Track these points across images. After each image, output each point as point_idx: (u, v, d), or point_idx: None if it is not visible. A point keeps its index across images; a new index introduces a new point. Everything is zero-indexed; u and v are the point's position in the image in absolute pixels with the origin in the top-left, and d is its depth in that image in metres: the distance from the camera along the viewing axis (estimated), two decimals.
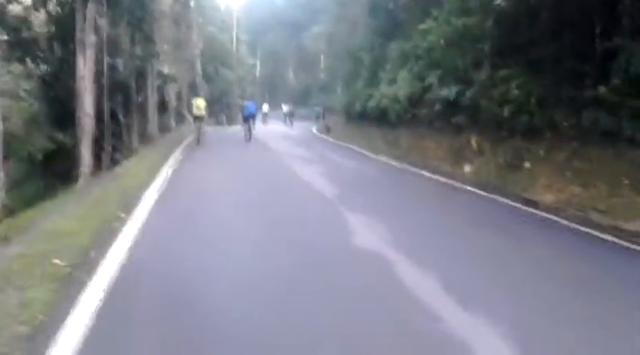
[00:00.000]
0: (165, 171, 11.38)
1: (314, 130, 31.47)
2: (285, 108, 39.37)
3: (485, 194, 8.98)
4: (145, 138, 23.09)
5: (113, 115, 20.54)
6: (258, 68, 72.48)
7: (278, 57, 74.10)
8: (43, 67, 18.28)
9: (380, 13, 23.29)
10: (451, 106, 14.21)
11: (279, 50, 71.73)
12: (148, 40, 20.34)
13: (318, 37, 41.00)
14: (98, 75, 17.48)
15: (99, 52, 18.08)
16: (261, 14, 60.77)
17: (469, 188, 9.72)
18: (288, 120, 37.28)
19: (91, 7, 13.35)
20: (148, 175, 10.49)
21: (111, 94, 19.73)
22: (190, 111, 22.16)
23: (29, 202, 14.37)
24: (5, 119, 19.61)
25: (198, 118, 19.43)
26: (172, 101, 29.98)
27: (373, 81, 21.97)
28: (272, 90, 78.08)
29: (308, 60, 67.62)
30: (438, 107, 14.96)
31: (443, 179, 11.11)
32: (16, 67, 18.77)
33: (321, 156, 15.07)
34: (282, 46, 70.13)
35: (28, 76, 17.87)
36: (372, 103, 20.34)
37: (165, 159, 13.81)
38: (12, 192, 17.46)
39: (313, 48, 50.89)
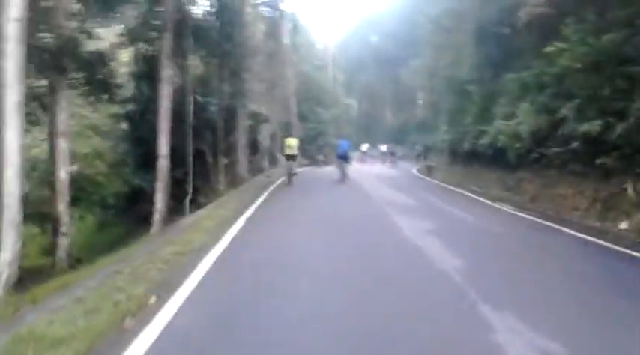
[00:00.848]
0: (245, 218, 9.79)
1: (414, 171, 28.84)
2: (383, 148, 37.38)
3: None
4: (235, 179, 21.84)
5: (200, 156, 19.47)
6: (355, 107, 71.38)
7: (374, 95, 72.67)
8: (130, 107, 17.69)
9: (490, 40, 20.53)
10: (594, 144, 11.20)
11: (375, 88, 70.31)
12: (236, 76, 19.16)
13: (417, 72, 38.49)
14: (183, 114, 16.42)
15: (185, 89, 17.12)
16: (357, 52, 59.81)
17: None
18: (388, 160, 35.30)
19: (168, 40, 12.04)
20: (221, 227, 8.71)
21: (198, 134, 18.67)
22: (282, 151, 21.03)
23: (107, 247, 13.36)
24: (90, 164, 19.43)
25: (289, 157, 18.32)
26: (265, 141, 28.90)
27: (484, 116, 19.15)
28: (368, 129, 76.59)
29: (405, 97, 65.45)
30: (575, 145, 11.95)
31: (594, 239, 8.14)
32: (106, 107, 18.41)
33: (428, 205, 12.48)
34: (379, 84, 68.64)
35: (113, 116, 17.33)
36: (484, 141, 17.48)
37: (248, 204, 12.14)
38: (89, 237, 16.73)
39: (411, 84, 48.59)
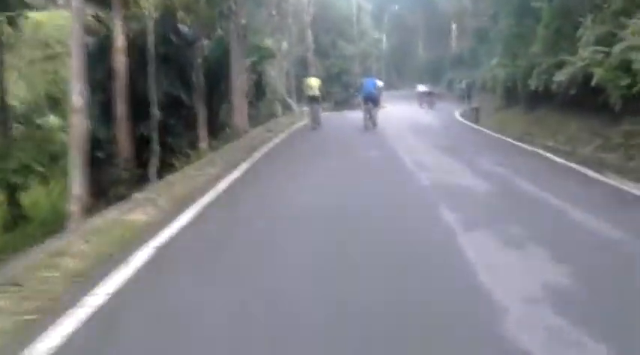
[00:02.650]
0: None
1: (458, 116, 23.74)
2: (421, 88, 32.13)
3: None
4: (232, 132, 17.39)
5: (177, 104, 15.03)
6: (384, 42, 64.77)
7: (405, 27, 65.74)
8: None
9: None
10: None
11: (406, 19, 63.38)
12: None
13: None
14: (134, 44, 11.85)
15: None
16: None
17: None
18: (426, 101, 30.28)
19: None
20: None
21: (174, 76, 14.15)
22: (304, 93, 18.14)
23: None
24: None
25: (312, 99, 17.02)
26: (274, 83, 24.11)
27: (560, 42, 13.94)
28: (399, 66, 70.21)
29: (441, 28, 58.58)
30: None
31: None
32: None
33: (500, 182, 7.62)
34: (410, 14, 61.70)
35: None
36: (560, 77, 12.43)
37: (221, 175, 7.88)
38: None
39: (449, 10, 42.17)
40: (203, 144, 13.91)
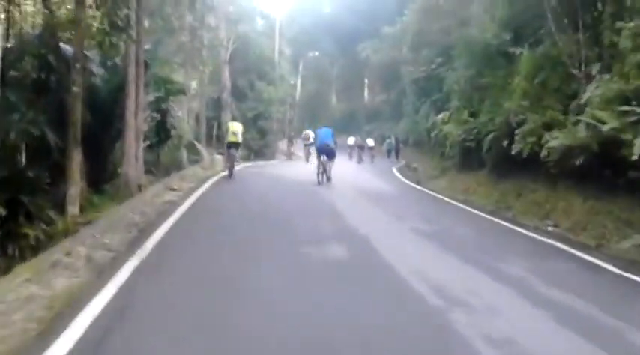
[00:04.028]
0: None
1: (398, 174, 20.92)
2: (351, 140, 29.56)
3: None
4: (121, 188, 13.02)
5: (42, 147, 10.65)
6: (298, 89, 62.52)
7: (323, 75, 64.23)
8: None
9: None
10: None
11: (324, 67, 61.80)
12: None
13: (396, 39, 29.71)
14: None
15: None
16: (308, 24, 50.63)
17: None
18: (356, 155, 28.09)
19: None
20: None
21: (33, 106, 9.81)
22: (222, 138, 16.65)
23: None
24: None
25: (232, 145, 15.50)
26: (184, 125, 19.96)
27: (543, 98, 11.40)
28: (312, 114, 68.27)
29: (359, 78, 57.62)
30: None
31: None
32: None
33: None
34: (330, 62, 60.17)
35: None
36: (565, 141, 9.67)
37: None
38: None
39: (376, 60, 40.42)
40: (73, 209, 9.44)
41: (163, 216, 8.20)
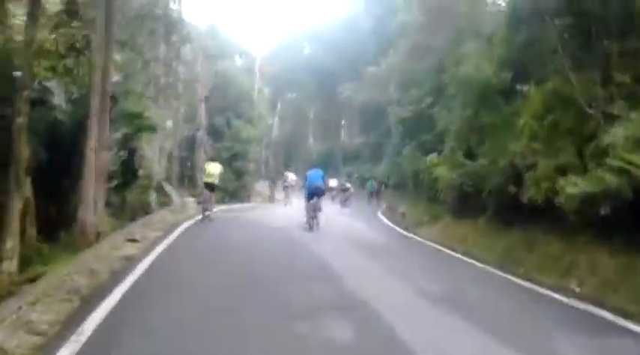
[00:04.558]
0: None
1: (385, 220, 19.67)
2: (332, 182, 28.30)
3: None
4: (76, 237, 11.35)
5: None
6: (275, 129, 61.57)
7: (300, 116, 63.48)
8: None
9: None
10: None
11: (302, 108, 61.08)
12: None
13: (382, 76, 28.73)
14: None
15: None
16: (286, 64, 50.13)
17: None
18: (338, 199, 27.12)
19: None
20: None
21: None
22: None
23: None
24: None
25: (208, 186, 14.88)
26: (153, 165, 18.42)
27: (554, 139, 10.31)
28: (289, 155, 67.23)
29: (337, 119, 56.98)
30: None
31: None
32: None
33: None
34: (308, 103, 59.46)
35: None
36: (587, 187, 8.50)
37: None
38: None
39: (356, 102, 39.71)
40: (9, 265, 7.78)
41: (117, 278, 6.60)
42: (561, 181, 9.39)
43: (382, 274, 8.48)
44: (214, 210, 16.51)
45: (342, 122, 59.50)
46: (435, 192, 17.30)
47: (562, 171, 9.71)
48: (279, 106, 56.52)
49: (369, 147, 47.84)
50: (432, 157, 16.76)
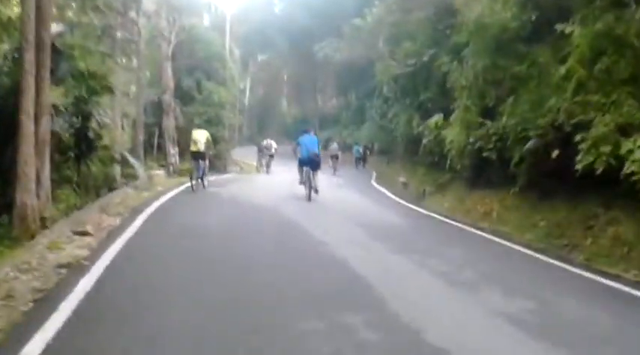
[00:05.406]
0: None
1: (379, 187, 17.77)
2: (334, 149, 27.02)
3: None
4: (14, 224, 8.96)
5: None
6: (247, 93, 58.49)
7: (273, 79, 60.50)
8: None
9: None
10: None
11: (275, 70, 58.05)
12: None
13: (370, 30, 25.84)
14: None
15: None
16: (257, 23, 46.76)
17: None
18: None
19: None
20: None
21: None
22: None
23: None
24: None
25: (195, 155, 14.34)
26: (113, 134, 15.86)
27: (610, 90, 8.30)
28: (262, 120, 64.45)
29: (312, 82, 54.18)
30: None
31: None
32: None
33: None
34: (280, 65, 56.43)
35: None
36: None
37: None
38: None
39: (333, 62, 37.16)
40: None
41: (40, 313, 4.24)
42: (626, 144, 7.44)
43: (395, 259, 6.42)
44: (211, 179, 15.99)
45: (319, 84, 56.71)
46: (439, 158, 15.34)
47: (624, 131, 7.75)
48: (250, 69, 53.36)
49: (349, 110, 45.54)
50: (438, 118, 14.66)
